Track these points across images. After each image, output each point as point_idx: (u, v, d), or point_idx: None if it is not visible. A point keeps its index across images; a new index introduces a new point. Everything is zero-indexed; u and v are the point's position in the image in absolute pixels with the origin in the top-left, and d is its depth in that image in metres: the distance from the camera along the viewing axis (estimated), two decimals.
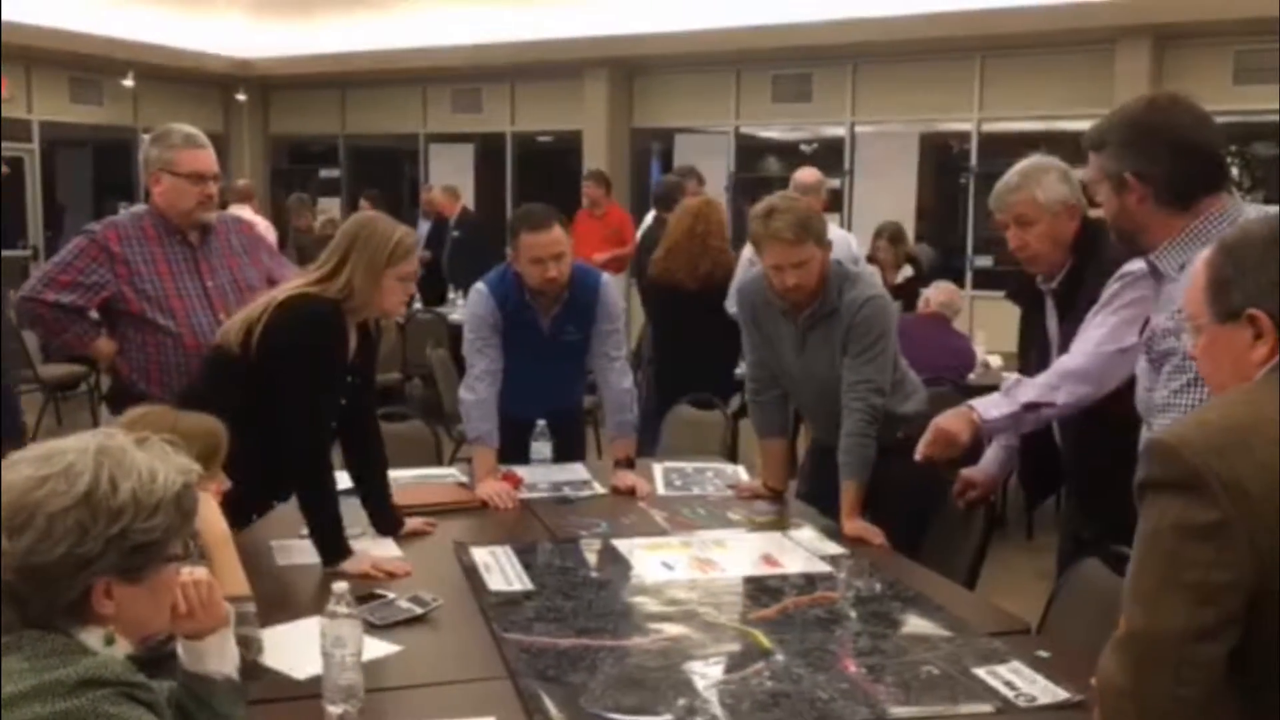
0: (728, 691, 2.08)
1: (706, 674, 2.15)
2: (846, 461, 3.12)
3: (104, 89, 12.69)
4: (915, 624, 2.44)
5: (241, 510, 2.47)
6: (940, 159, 11.23)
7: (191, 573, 1.65)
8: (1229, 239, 1.57)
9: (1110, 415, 2.64)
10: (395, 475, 3.54)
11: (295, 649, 2.12)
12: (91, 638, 1.41)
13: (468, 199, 11.08)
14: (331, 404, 2.82)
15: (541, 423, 3.57)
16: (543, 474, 3.55)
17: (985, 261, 10.24)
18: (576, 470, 3.69)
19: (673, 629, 2.38)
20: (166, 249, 3.45)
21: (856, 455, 3.11)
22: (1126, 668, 1.43)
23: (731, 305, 3.45)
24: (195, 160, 3.45)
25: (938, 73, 10.45)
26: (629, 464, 3.59)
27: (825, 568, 2.80)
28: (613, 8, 10.82)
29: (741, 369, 4.69)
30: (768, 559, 2.86)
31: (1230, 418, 1.46)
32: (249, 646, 1.96)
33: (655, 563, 2.81)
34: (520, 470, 3.54)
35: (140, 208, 3.61)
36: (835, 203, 10.38)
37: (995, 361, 6.33)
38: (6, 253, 11.36)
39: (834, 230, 6.06)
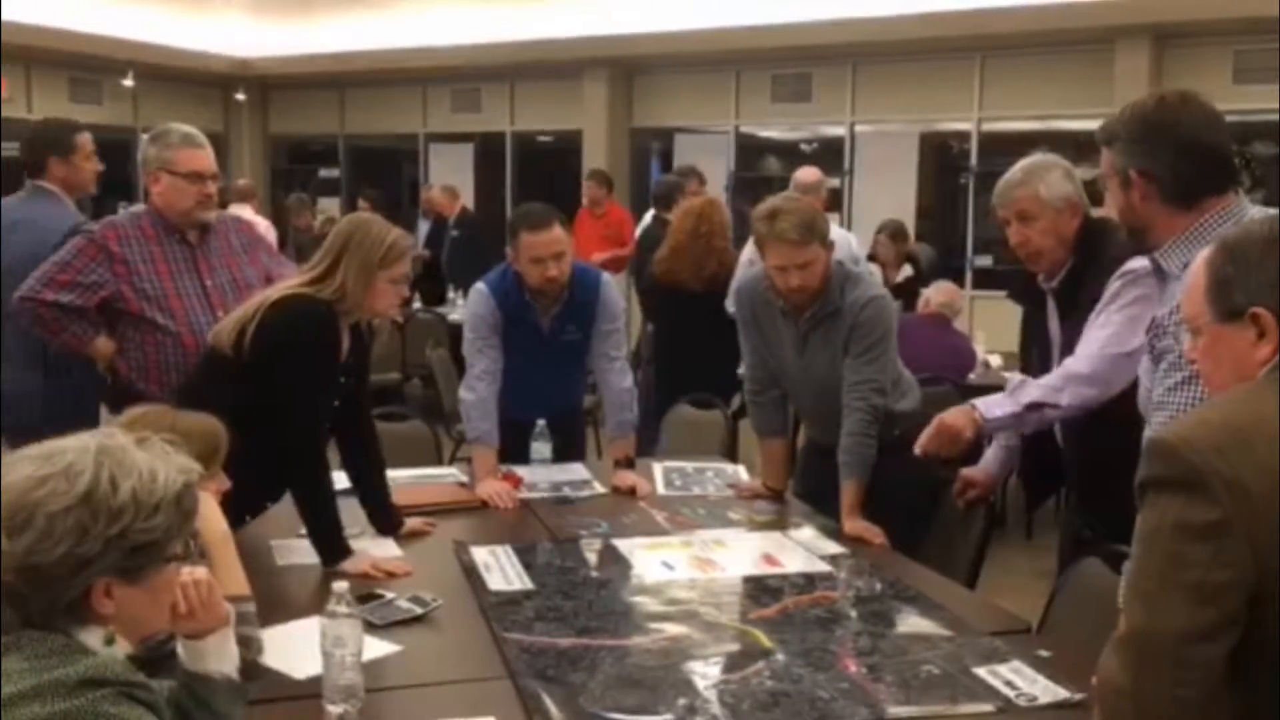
0: (728, 691, 2.08)
1: (707, 674, 2.15)
2: (847, 461, 3.12)
3: (104, 88, 12.68)
4: (915, 623, 2.44)
5: (235, 511, 2.47)
6: (940, 159, 11.22)
7: (192, 572, 1.65)
8: (1229, 238, 1.57)
9: (1111, 414, 2.64)
10: (395, 475, 3.54)
11: (295, 649, 2.11)
12: (91, 638, 1.41)
13: (467, 199, 11.08)
14: (325, 404, 2.81)
15: (541, 422, 3.57)
16: (543, 474, 3.55)
17: (985, 261, 10.24)
18: (576, 470, 3.69)
19: (673, 628, 2.38)
20: (165, 248, 3.45)
21: (857, 455, 3.11)
22: (1126, 667, 1.43)
23: (731, 305, 3.46)
24: (194, 159, 3.45)
25: (937, 72, 10.44)
26: (629, 464, 3.59)
27: (825, 567, 2.80)
28: (612, 7, 10.81)
29: (743, 369, 4.69)
30: (768, 558, 2.86)
31: (1231, 417, 1.46)
32: (249, 646, 1.96)
33: (655, 562, 2.81)
34: (520, 470, 3.54)
35: (139, 207, 3.60)
36: (835, 202, 10.37)
37: (995, 361, 6.33)
38: None
39: (835, 230, 6.07)
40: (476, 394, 3.52)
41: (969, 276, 10.25)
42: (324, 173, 14.07)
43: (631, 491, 3.43)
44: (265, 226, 8.50)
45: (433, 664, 2.22)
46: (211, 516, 2.03)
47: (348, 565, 2.66)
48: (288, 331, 2.70)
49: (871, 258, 7.19)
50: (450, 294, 9.01)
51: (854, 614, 2.50)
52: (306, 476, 2.74)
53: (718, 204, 5.52)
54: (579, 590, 2.61)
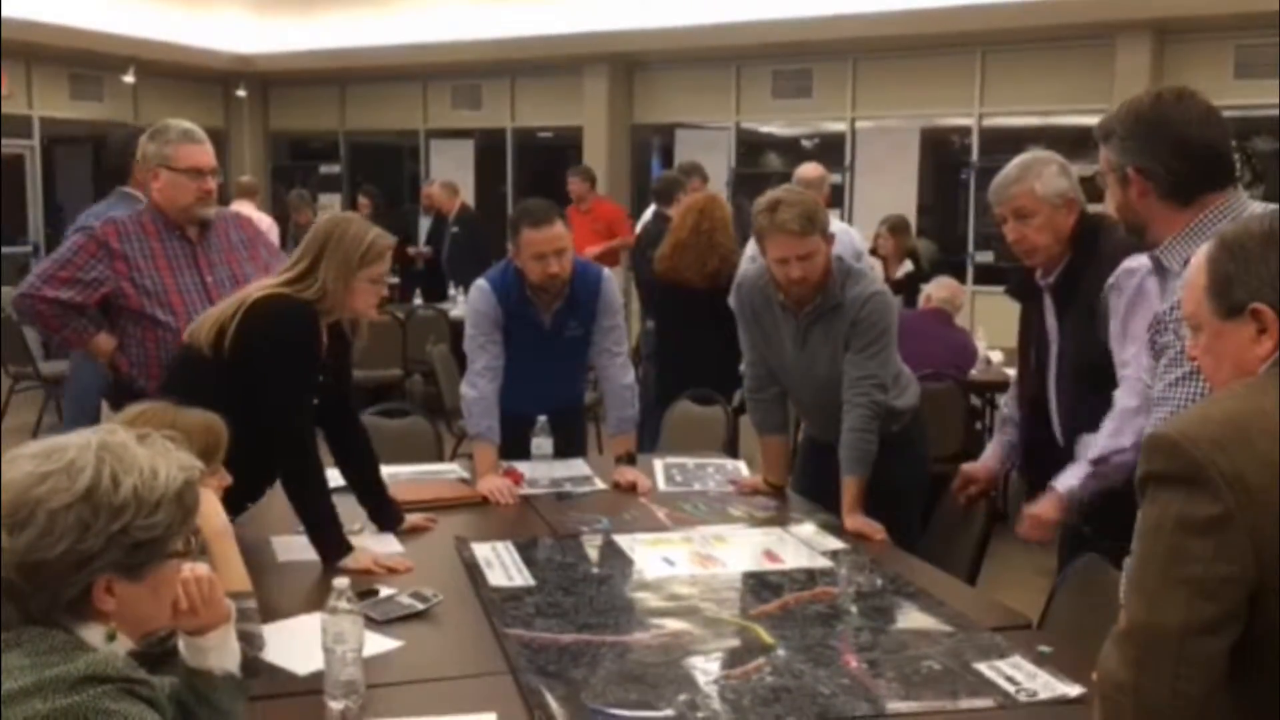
0: (729, 687, 2.08)
1: (707, 669, 2.15)
2: (848, 457, 3.12)
3: (104, 85, 12.67)
4: (916, 619, 2.44)
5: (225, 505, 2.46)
6: (941, 154, 11.21)
7: (193, 569, 1.65)
8: (1228, 235, 1.57)
9: (1107, 409, 2.64)
10: (396, 471, 3.55)
11: (297, 645, 2.12)
12: (93, 634, 1.41)
13: (468, 195, 11.08)
14: (306, 402, 2.81)
15: (542, 419, 3.57)
16: (544, 470, 3.55)
17: (986, 257, 10.24)
18: (577, 466, 3.69)
19: (674, 624, 2.38)
20: (165, 245, 3.45)
21: (859, 451, 3.11)
22: (1127, 662, 1.43)
23: (733, 301, 3.46)
24: (193, 155, 3.46)
25: (938, 68, 10.44)
26: (630, 460, 3.59)
27: (826, 563, 2.80)
28: (613, 3, 10.81)
29: (744, 366, 4.68)
30: (768, 554, 2.86)
31: (1231, 412, 1.46)
32: (250, 642, 1.96)
33: (656, 558, 2.81)
34: (521, 466, 3.54)
35: (127, 189, 3.60)
36: (836, 198, 10.36)
37: (996, 357, 6.33)
38: (7, 250, 11.39)
39: (838, 225, 6.06)
40: (478, 390, 3.52)
41: (970, 272, 10.25)
42: (325, 169, 14.06)
43: (632, 487, 3.43)
44: (269, 224, 8.51)
45: (434, 660, 2.22)
46: (212, 513, 2.03)
47: (349, 562, 2.66)
48: (269, 332, 2.68)
49: (872, 252, 7.19)
50: (451, 290, 9.01)
51: (854, 610, 2.50)
52: (299, 475, 2.74)
53: (719, 200, 5.51)
54: (580, 586, 2.61)
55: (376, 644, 2.19)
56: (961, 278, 8.74)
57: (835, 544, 2.93)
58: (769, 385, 3.42)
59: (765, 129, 11.98)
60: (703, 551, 2.87)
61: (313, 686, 1.97)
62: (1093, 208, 2.89)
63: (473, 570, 2.69)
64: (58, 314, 3.43)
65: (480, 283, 3.64)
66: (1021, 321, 3.08)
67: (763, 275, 3.30)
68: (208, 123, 8.37)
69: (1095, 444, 2.62)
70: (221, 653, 1.72)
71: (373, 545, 2.83)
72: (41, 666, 1.33)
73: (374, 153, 14.19)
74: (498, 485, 3.34)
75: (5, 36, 9.97)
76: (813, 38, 10.24)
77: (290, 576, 2.65)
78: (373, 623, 2.28)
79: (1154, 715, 1.40)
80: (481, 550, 2.83)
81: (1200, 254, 1.63)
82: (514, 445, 3.56)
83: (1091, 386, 2.70)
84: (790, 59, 11.05)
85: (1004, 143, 9.93)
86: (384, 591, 2.49)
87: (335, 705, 1.91)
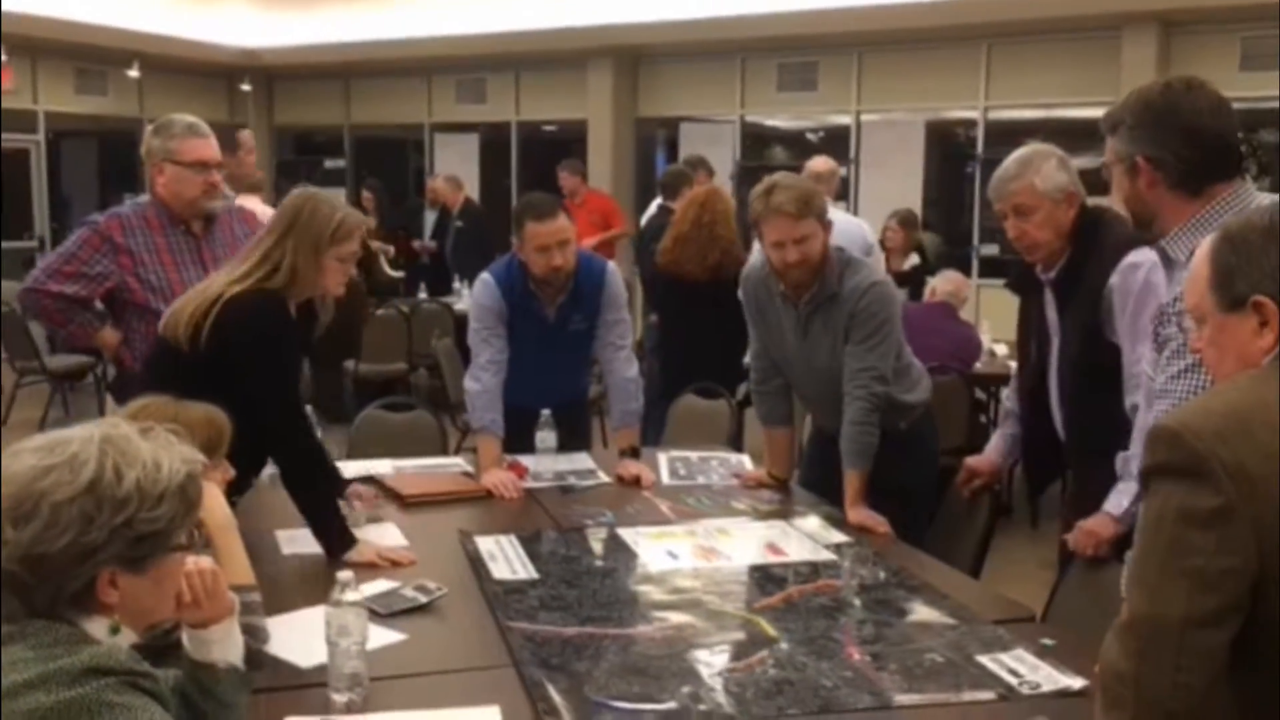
0: (732, 679, 2.08)
1: (711, 662, 2.16)
2: (848, 450, 3.11)
3: (109, 80, 12.69)
4: (919, 612, 2.44)
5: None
6: (946, 147, 11.20)
7: (196, 562, 1.65)
8: (1231, 228, 1.57)
9: (1111, 402, 2.63)
10: (401, 464, 3.57)
11: (301, 638, 2.12)
12: (96, 627, 1.42)
13: (472, 188, 11.08)
14: (294, 394, 2.80)
15: (546, 412, 3.57)
16: (548, 463, 3.55)
17: (992, 250, 10.23)
18: (581, 459, 3.69)
19: (677, 617, 2.38)
20: (170, 239, 3.46)
21: (859, 444, 3.10)
22: (1128, 654, 1.43)
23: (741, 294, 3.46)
24: (198, 149, 3.46)
25: (944, 60, 10.42)
26: (634, 453, 3.59)
27: (830, 556, 2.80)
28: None
29: (749, 358, 4.68)
30: (772, 547, 2.86)
31: (1233, 404, 1.46)
32: (254, 635, 1.96)
33: (660, 551, 2.82)
34: (525, 460, 3.54)
35: (144, 198, 3.61)
36: (841, 191, 10.35)
37: (1001, 350, 6.32)
38: (12, 244, 11.40)
39: (848, 218, 6.06)
40: (482, 384, 3.53)
41: (975, 265, 10.24)
42: (329, 163, 14.08)
43: (636, 481, 3.43)
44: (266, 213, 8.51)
45: (437, 652, 2.22)
46: (216, 506, 2.04)
47: (353, 555, 2.67)
48: (244, 333, 2.64)
49: (880, 243, 7.18)
50: (455, 284, 9.02)
51: (858, 602, 2.50)
52: (302, 470, 2.74)
53: (721, 193, 5.51)
54: (583, 579, 2.61)
55: (380, 637, 2.19)
56: (966, 271, 8.73)
57: (839, 537, 2.93)
58: (773, 377, 3.42)
59: (770, 122, 11.97)
60: (706, 545, 2.87)
61: (317, 679, 1.98)
62: (1098, 200, 2.88)
63: (476, 563, 2.70)
64: (63, 308, 3.44)
65: (484, 276, 3.64)
66: (1021, 315, 3.07)
67: (764, 266, 3.30)
68: (213, 117, 8.36)
69: (1134, 458, 2.55)
70: (225, 645, 1.72)
71: (375, 537, 2.83)
72: (45, 659, 1.33)
73: (379, 147, 14.20)
74: (502, 479, 3.34)
75: (10, 31, 9.98)
76: (817, 30, 10.22)
77: (294, 569, 2.65)
78: (376, 615, 2.28)
79: (1155, 707, 1.40)
80: (485, 543, 2.84)
81: (1203, 247, 1.62)
82: (518, 439, 3.57)
83: (1092, 381, 2.69)
84: (795, 52, 11.03)
85: (1009, 135, 9.91)
86: (387, 584, 2.49)
87: (339, 698, 1.92)
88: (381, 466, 3.54)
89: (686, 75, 11.72)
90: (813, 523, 3.05)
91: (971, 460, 3.22)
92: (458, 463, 3.73)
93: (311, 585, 2.51)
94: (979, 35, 10.08)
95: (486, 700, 1.95)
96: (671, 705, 1.96)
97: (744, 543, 2.89)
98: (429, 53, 12.05)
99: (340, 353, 7.31)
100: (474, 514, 3.17)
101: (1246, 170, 2.26)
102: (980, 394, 6.20)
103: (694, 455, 3.80)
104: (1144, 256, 2.56)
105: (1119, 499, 2.59)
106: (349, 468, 3.50)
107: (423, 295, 9.14)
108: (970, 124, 10.67)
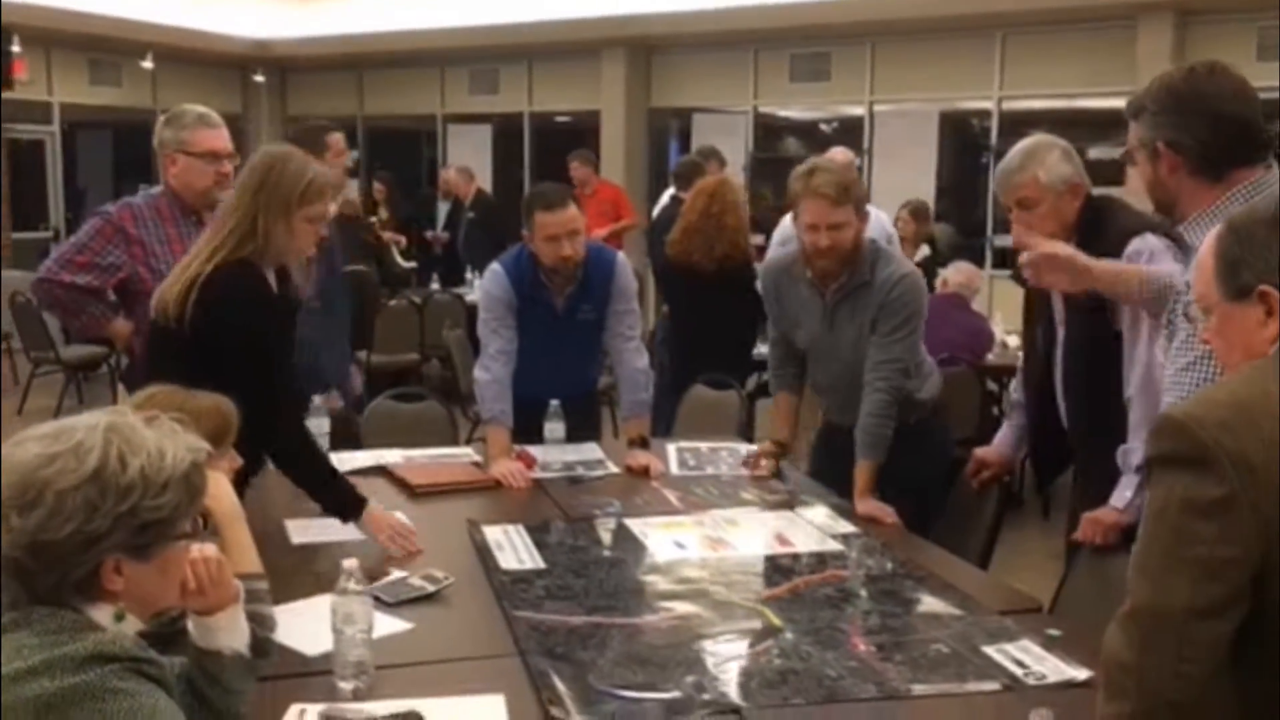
0: (737, 669, 2.08)
1: (716, 651, 2.16)
2: (864, 442, 3.10)
3: (123, 71, 12.74)
4: (926, 602, 2.44)
5: None
6: (960, 138, 11.15)
7: (201, 549, 1.66)
8: (1236, 218, 1.56)
9: (1116, 391, 2.62)
10: (410, 454, 3.57)
11: (307, 626, 2.13)
12: (101, 614, 1.43)
13: (485, 179, 11.09)
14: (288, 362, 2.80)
15: (555, 402, 3.58)
16: (556, 454, 3.56)
17: (1005, 241, 10.18)
18: (590, 450, 3.69)
19: (683, 607, 2.38)
20: (181, 229, 3.47)
21: (875, 435, 3.09)
22: (1130, 643, 1.43)
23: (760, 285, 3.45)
24: (209, 139, 3.47)
25: (958, 50, 10.37)
26: (643, 444, 3.59)
27: (837, 546, 2.79)
28: None
29: (759, 349, 4.68)
30: (780, 538, 2.86)
31: (1238, 393, 1.45)
32: (261, 623, 1.97)
33: (667, 542, 2.82)
34: (534, 450, 3.54)
35: (156, 189, 3.63)
36: None
37: (1013, 341, 6.30)
38: (26, 235, 11.46)
39: (869, 208, 6.02)
40: (491, 374, 3.53)
41: (989, 256, 10.21)
42: None
43: (644, 471, 3.43)
44: None
45: (443, 641, 2.23)
46: (224, 495, 2.04)
47: (367, 522, 2.69)
48: (224, 308, 2.60)
49: None
50: (467, 275, 9.04)
51: (864, 593, 2.50)
52: (288, 441, 2.73)
53: (730, 184, 5.49)
54: (590, 569, 2.62)
55: (387, 625, 2.20)
56: (980, 262, 8.71)
57: (846, 528, 2.93)
58: (790, 363, 3.45)
59: (783, 113, 11.94)
60: (714, 535, 2.87)
61: (323, 667, 1.99)
62: (1108, 191, 2.86)
63: (483, 553, 2.70)
64: (75, 299, 3.46)
65: (494, 267, 3.64)
66: (1026, 306, 3.06)
67: (789, 257, 3.29)
68: (226, 108, 8.39)
69: (1134, 451, 2.57)
70: (230, 633, 1.73)
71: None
72: (50, 645, 1.34)
73: (391, 138, 14.22)
74: (510, 469, 3.35)
75: (25, 23, 10.02)
76: (831, 21, 10.19)
77: (303, 559, 2.66)
78: (384, 604, 2.29)
79: (1156, 696, 1.40)
80: (493, 533, 2.84)
81: (1209, 237, 1.62)
82: (527, 429, 3.57)
83: (1097, 371, 2.68)
84: (808, 42, 11.00)
85: (1024, 126, 9.84)
86: (395, 574, 2.50)
87: (344, 685, 1.93)
88: (391, 456, 3.55)
89: (699, 66, 11.70)
90: (820, 513, 3.05)
91: (980, 451, 3.21)
92: (467, 452, 3.74)
93: (320, 575, 2.52)
94: (993, 25, 10.03)
95: (491, 689, 1.96)
96: (675, 694, 1.97)
97: (752, 533, 2.89)
98: (441, 44, 12.06)
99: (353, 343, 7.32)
100: (482, 504, 3.17)
101: (1273, 160, 2.24)
102: (992, 385, 6.18)
103: (703, 446, 3.79)
104: (1146, 244, 2.55)
105: (1123, 492, 2.59)
106: (359, 457, 3.52)
107: (435, 286, 9.16)
108: (985, 114, 10.63)
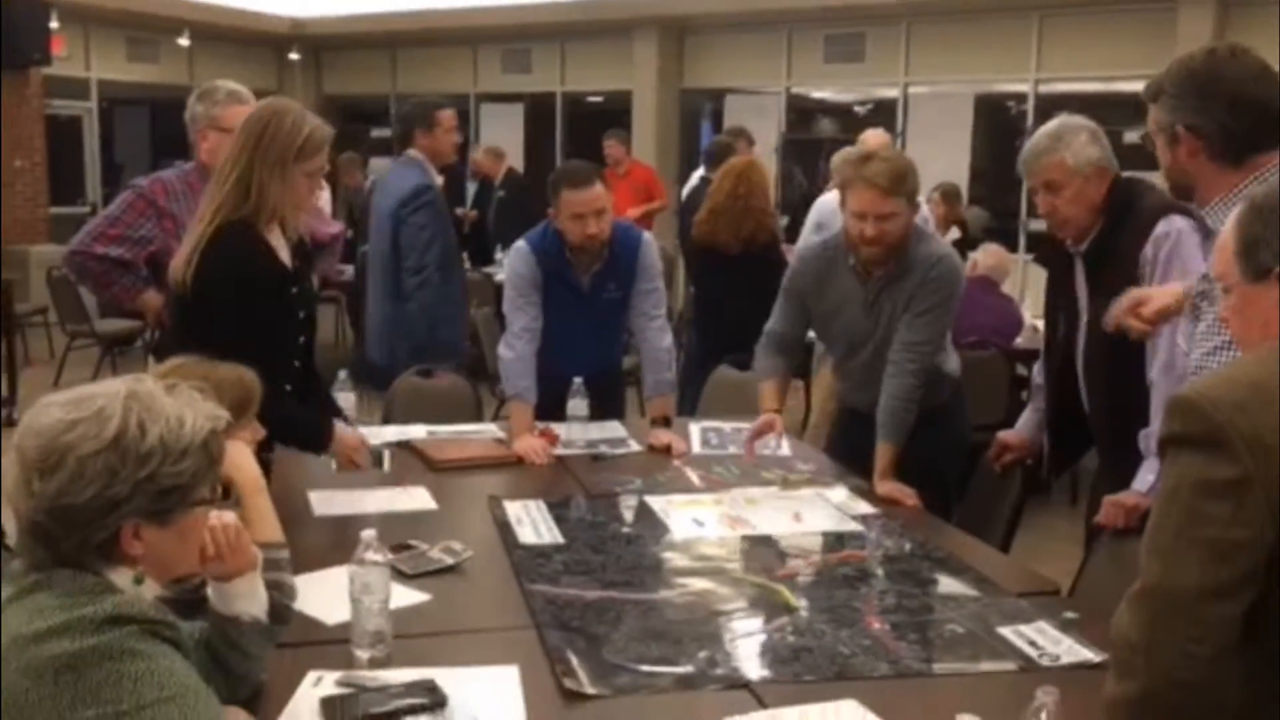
0: (750, 645, 2.09)
1: (731, 628, 2.17)
2: (886, 423, 3.09)
3: (160, 48, 12.83)
4: (943, 583, 2.44)
5: None
6: (996, 120, 11.03)
7: (220, 516, 1.69)
8: (1257, 198, 1.55)
9: (1138, 378, 2.60)
10: (435, 429, 3.60)
11: (326, 595, 2.16)
12: (121, 577, 1.46)
13: (517, 159, 11.10)
14: (290, 320, 2.80)
15: (578, 380, 3.59)
16: (579, 431, 3.57)
17: (1039, 224, 10.09)
18: (613, 427, 3.70)
19: (699, 584, 2.40)
20: None
21: (898, 417, 3.07)
22: (1140, 622, 1.42)
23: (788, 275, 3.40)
24: (240, 116, 3.47)
25: (994, 32, 10.26)
26: (666, 423, 3.60)
27: (856, 527, 2.79)
28: None
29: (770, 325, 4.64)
30: (799, 517, 2.86)
31: (1252, 375, 1.44)
32: (282, 591, 2.00)
33: (686, 519, 2.83)
34: (557, 427, 3.56)
35: (189, 164, 3.67)
36: None
37: (1043, 324, 6.25)
38: (65, 210, 11.59)
39: None
40: (515, 351, 3.54)
41: (1022, 240, 10.12)
42: (375, 132, 14.15)
43: (667, 450, 3.44)
44: (325, 198, 8.57)
45: (460, 613, 2.25)
46: (246, 464, 2.07)
47: (336, 445, 2.81)
48: (219, 272, 2.60)
49: None
50: (497, 255, 9.06)
51: (881, 573, 2.50)
52: (275, 416, 2.64)
53: (758, 165, 5.47)
54: (608, 545, 2.63)
55: (405, 596, 2.23)
56: (1013, 245, 8.65)
57: (866, 508, 2.93)
58: (785, 352, 3.40)
59: (817, 94, 11.86)
60: (733, 513, 2.88)
61: (340, 636, 2.01)
62: (1145, 174, 2.82)
63: (504, 528, 2.72)
64: (106, 270, 3.50)
65: (520, 244, 3.65)
66: (1048, 289, 3.04)
67: (826, 245, 3.26)
68: (261, 86, 8.45)
69: (1154, 435, 2.55)
70: (249, 599, 1.76)
71: (403, 498, 2.90)
72: (70, 607, 1.37)
73: None
74: (532, 445, 3.37)
75: (64, 0, 10.10)
76: (866, 1, 10.10)
77: (325, 530, 2.70)
78: (403, 576, 2.32)
79: (1165, 676, 1.40)
80: (513, 508, 2.86)
81: (1231, 217, 1.60)
82: (550, 406, 3.59)
83: (1120, 355, 2.66)
84: (842, 23, 10.91)
85: (1061, 109, 9.67)
86: (416, 545, 2.53)
87: (361, 654, 1.96)
88: (415, 431, 3.58)
89: (732, 46, 11.64)
90: (840, 494, 3.05)
91: (1004, 434, 3.20)
92: (490, 429, 3.76)
93: (341, 546, 2.54)
94: (1030, 6, 9.91)
95: (506, 660, 1.98)
96: (688, 669, 1.98)
97: (771, 512, 2.89)
98: (475, 23, 12.06)
99: None
100: (504, 479, 3.20)
101: None
102: (1022, 370, 6.13)
103: (727, 426, 3.80)
104: (1173, 225, 2.52)
105: (1145, 475, 2.57)
106: (385, 432, 3.55)
107: (465, 265, 9.17)
108: (1021, 97, 10.52)
